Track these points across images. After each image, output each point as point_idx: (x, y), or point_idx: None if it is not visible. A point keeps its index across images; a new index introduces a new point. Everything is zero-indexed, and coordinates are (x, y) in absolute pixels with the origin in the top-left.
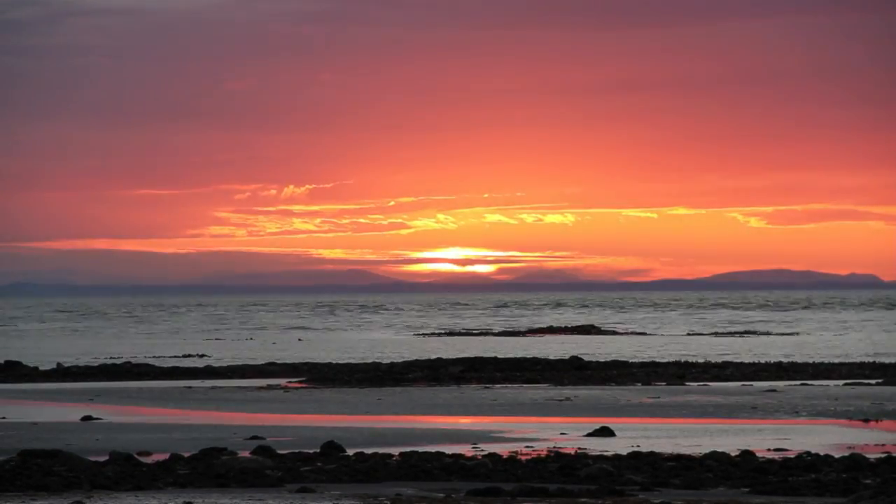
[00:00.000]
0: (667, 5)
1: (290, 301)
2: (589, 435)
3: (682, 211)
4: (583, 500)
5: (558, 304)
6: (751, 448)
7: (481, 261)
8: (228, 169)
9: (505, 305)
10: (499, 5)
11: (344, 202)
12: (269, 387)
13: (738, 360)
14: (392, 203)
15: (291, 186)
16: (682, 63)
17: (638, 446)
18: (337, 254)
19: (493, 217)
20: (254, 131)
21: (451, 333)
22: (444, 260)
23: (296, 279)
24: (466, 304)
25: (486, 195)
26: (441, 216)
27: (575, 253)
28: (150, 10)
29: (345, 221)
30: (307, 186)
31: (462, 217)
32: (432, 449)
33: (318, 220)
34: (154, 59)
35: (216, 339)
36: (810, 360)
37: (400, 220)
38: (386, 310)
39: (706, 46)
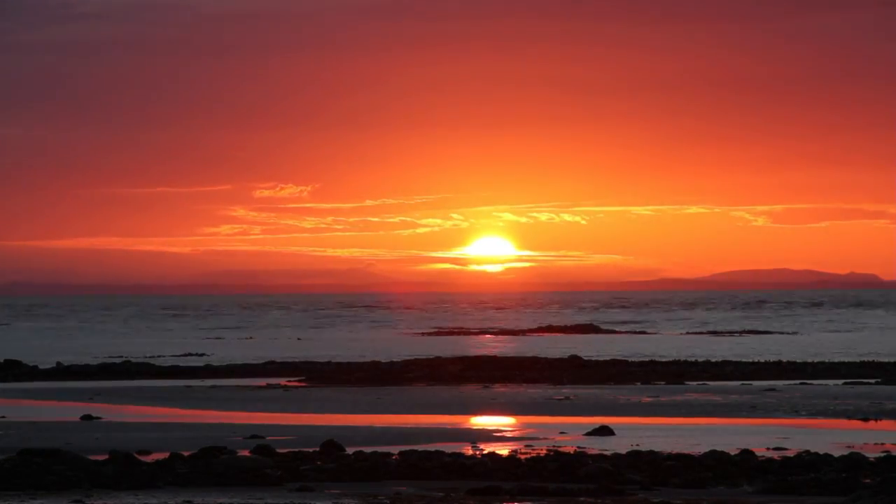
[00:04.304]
0: (681, 4)
1: (298, 300)
2: (588, 434)
3: (694, 210)
4: (582, 499)
5: (562, 304)
6: (750, 447)
7: (493, 260)
8: (240, 167)
9: (502, 306)
10: None
11: (355, 201)
12: (269, 386)
13: (738, 360)
14: (404, 202)
15: (311, 185)
16: (692, 62)
17: (637, 445)
18: (347, 252)
19: (506, 216)
20: (266, 129)
21: (450, 332)
22: (456, 259)
23: (305, 278)
24: (469, 304)
25: (498, 194)
26: (454, 215)
27: (585, 252)
28: (166, 5)
29: (354, 220)
30: (317, 185)
31: (474, 216)
32: (432, 448)
33: (329, 219)
34: (167, 55)
35: (216, 338)
36: (809, 360)
37: (411, 219)
38: (390, 308)
39: (715, 46)
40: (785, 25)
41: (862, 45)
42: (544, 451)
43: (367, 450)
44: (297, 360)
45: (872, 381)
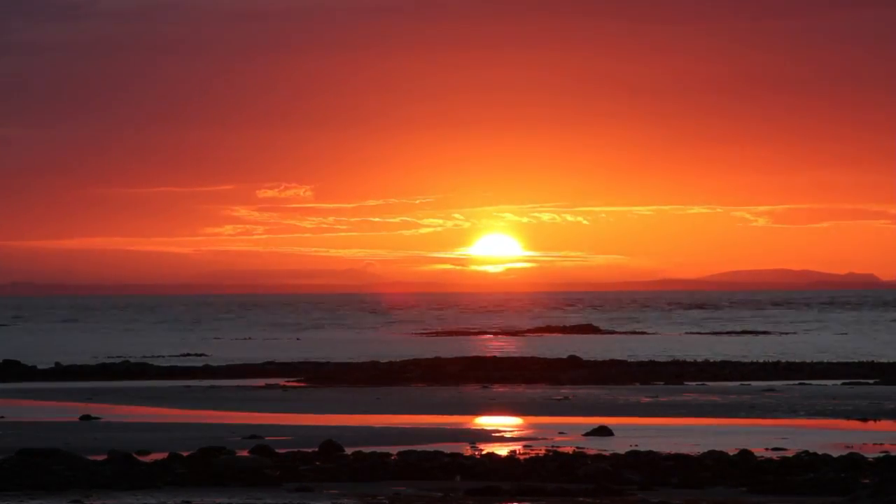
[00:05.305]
0: (684, 4)
1: (298, 300)
2: (587, 434)
3: (695, 210)
4: (581, 499)
5: (563, 304)
6: (749, 447)
7: (495, 261)
8: (243, 167)
9: (503, 306)
10: None
11: (357, 200)
12: (268, 386)
13: (737, 360)
14: (406, 202)
15: (313, 185)
16: (693, 63)
17: (636, 445)
18: (350, 253)
19: (508, 216)
20: (269, 129)
21: (450, 333)
22: (457, 260)
23: (305, 278)
24: (469, 304)
25: (500, 194)
26: (456, 215)
27: (587, 253)
28: (169, 4)
29: (356, 220)
30: (319, 185)
31: (476, 216)
32: (431, 448)
33: (331, 219)
34: (170, 55)
35: (215, 338)
36: (808, 360)
37: (413, 220)
38: (389, 309)
39: (717, 47)
40: (786, 27)
41: (863, 46)
42: (543, 452)
43: (367, 450)
44: (296, 360)
45: (871, 381)
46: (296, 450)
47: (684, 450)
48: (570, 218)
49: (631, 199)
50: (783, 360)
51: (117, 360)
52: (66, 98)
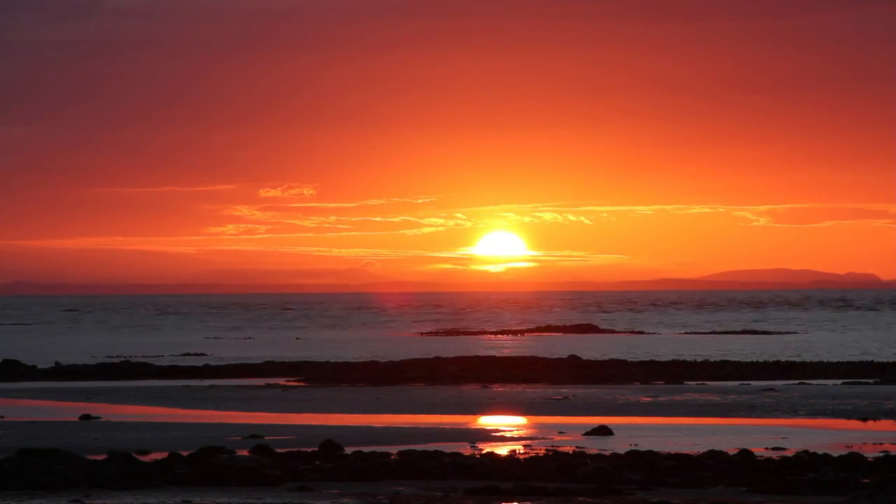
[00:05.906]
0: (685, 4)
1: (297, 300)
2: (587, 434)
3: (697, 209)
4: (581, 499)
5: (564, 304)
6: (749, 447)
7: (496, 260)
8: (245, 167)
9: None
10: None
11: (358, 200)
12: (268, 386)
13: (736, 359)
14: (407, 201)
15: (315, 184)
16: (696, 63)
17: (636, 445)
18: (352, 252)
19: (510, 216)
20: (271, 129)
21: (450, 333)
22: (459, 259)
23: (305, 278)
24: (469, 304)
25: (502, 193)
26: (458, 214)
27: (589, 252)
28: (170, 4)
29: (357, 219)
30: (321, 184)
31: (478, 215)
32: (431, 448)
33: (332, 218)
34: (172, 55)
35: (215, 337)
36: (808, 360)
37: (415, 219)
38: (389, 308)
39: (719, 47)
40: (789, 25)
41: (864, 46)
42: (543, 451)
43: (366, 450)
44: (295, 359)
45: (871, 380)
46: (296, 449)
47: (684, 450)
48: (571, 217)
49: (632, 198)
50: (783, 360)
51: (117, 360)
52: (67, 97)
